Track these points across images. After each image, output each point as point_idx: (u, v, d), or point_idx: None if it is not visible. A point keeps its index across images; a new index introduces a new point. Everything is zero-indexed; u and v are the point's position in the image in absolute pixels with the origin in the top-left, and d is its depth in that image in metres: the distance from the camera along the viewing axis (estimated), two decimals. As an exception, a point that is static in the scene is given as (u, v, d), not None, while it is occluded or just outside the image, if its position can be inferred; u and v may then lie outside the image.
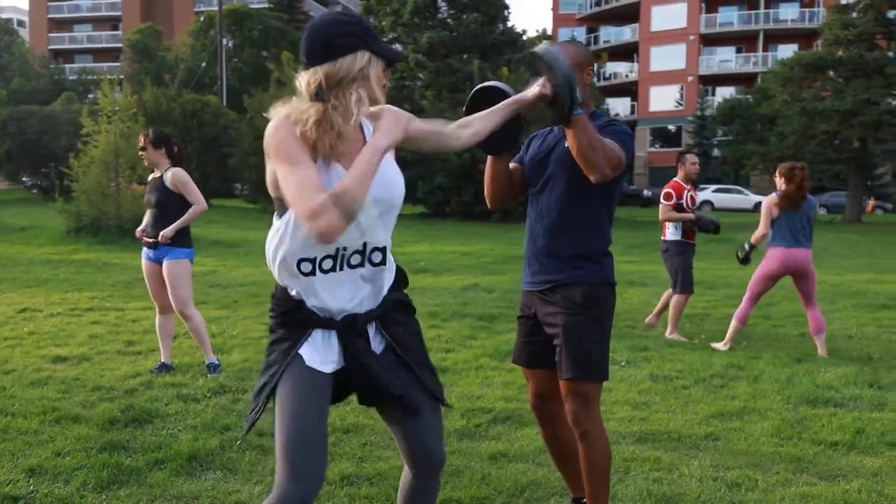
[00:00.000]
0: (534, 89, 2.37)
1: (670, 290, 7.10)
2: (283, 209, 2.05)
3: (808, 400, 4.82)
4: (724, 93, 45.80)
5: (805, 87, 25.37)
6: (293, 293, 2.10)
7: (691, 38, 48.59)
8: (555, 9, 55.42)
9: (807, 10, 47.07)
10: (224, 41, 41.35)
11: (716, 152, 42.14)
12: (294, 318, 2.09)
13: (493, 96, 2.51)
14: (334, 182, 1.92)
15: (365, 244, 2.07)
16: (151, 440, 3.88)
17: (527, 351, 2.89)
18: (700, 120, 43.17)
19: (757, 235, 6.33)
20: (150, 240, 5.21)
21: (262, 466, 3.57)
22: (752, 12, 48.03)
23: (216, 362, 5.31)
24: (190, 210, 5.17)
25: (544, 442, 3.03)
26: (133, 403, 4.44)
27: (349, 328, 2.09)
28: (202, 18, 49.63)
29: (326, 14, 2.01)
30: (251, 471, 3.53)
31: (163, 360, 5.35)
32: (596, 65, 42.99)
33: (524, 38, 27.70)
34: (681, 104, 48.31)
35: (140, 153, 5.31)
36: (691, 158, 7.01)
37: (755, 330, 7.32)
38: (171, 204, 5.17)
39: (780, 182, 6.21)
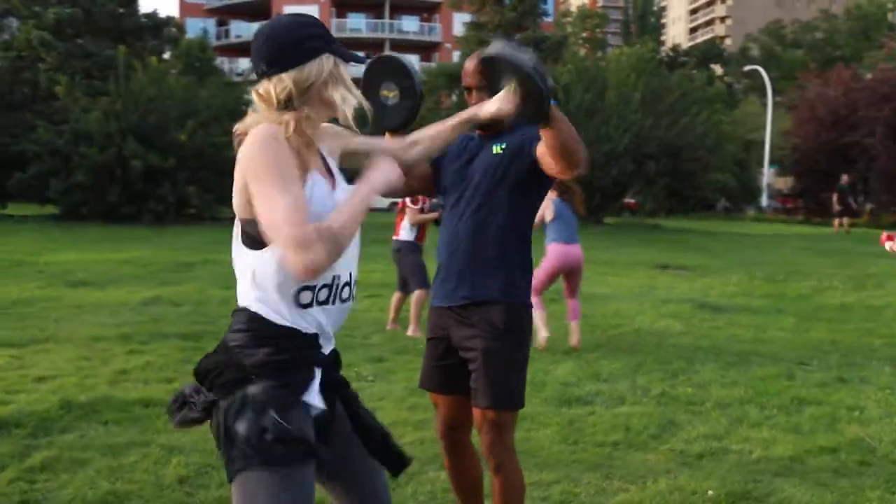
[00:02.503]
0: (490, 106, 2.13)
1: (398, 292, 7.23)
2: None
3: (563, 400, 5.04)
4: (358, 97, 47.83)
5: (446, 97, 27.53)
6: (301, 327, 1.79)
7: (323, 40, 49.70)
8: (181, -4, 52.81)
9: (426, 24, 51.17)
10: None
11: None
12: (303, 359, 1.79)
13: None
14: (315, 192, 1.77)
15: (350, 275, 1.91)
16: None
17: (439, 375, 2.58)
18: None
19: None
20: None
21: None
22: (379, 21, 50.78)
23: None
24: None
25: (448, 472, 2.76)
26: None
27: (333, 367, 1.91)
28: None
29: (282, 17, 1.90)
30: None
31: None
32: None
33: (171, 24, 25.73)
34: (316, 105, 49.37)
35: None
36: None
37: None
38: None
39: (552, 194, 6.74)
